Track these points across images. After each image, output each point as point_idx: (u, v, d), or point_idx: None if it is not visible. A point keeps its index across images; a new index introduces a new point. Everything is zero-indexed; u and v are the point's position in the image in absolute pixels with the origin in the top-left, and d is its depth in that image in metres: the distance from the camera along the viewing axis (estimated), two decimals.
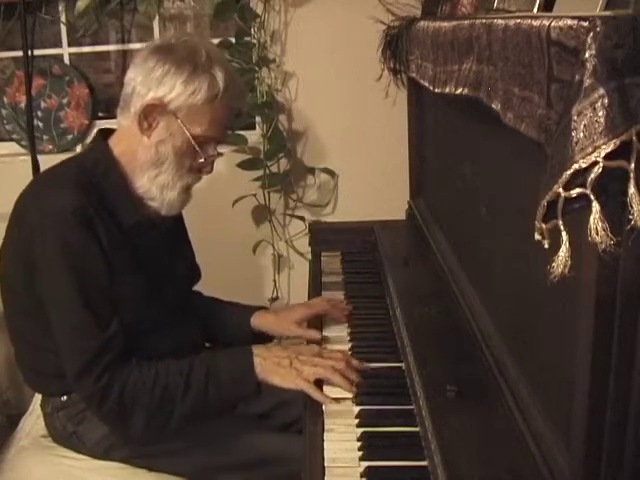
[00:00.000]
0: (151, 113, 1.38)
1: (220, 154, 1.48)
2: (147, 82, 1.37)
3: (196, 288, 1.73)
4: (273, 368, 1.37)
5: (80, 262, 1.32)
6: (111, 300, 1.35)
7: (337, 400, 1.31)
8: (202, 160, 1.43)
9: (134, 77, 1.40)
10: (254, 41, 2.38)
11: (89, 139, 2.58)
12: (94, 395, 1.32)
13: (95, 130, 1.60)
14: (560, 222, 0.64)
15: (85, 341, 1.32)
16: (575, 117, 0.62)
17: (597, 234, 0.62)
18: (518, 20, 0.82)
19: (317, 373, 1.35)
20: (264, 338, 1.67)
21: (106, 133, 1.49)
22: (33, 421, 1.61)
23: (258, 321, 1.66)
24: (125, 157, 1.43)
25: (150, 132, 1.39)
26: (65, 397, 1.45)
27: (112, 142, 1.45)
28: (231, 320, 1.68)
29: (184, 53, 1.38)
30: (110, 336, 1.33)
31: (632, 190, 0.61)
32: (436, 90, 1.31)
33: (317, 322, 1.64)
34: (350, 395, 1.31)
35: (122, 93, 1.43)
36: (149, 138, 1.40)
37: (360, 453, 1.15)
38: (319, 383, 1.35)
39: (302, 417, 1.49)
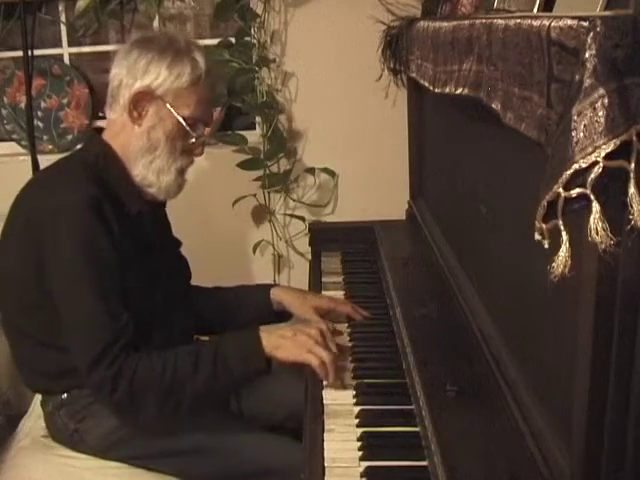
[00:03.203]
0: (140, 101, 1.44)
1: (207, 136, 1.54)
2: (133, 73, 1.43)
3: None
4: (277, 341, 1.37)
5: (94, 253, 1.35)
6: (122, 290, 1.37)
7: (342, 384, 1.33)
8: (193, 141, 1.48)
9: (119, 71, 1.46)
10: (254, 41, 2.38)
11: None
12: (105, 383, 1.32)
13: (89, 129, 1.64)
14: (560, 222, 0.64)
15: (98, 332, 1.33)
16: (575, 117, 0.62)
17: (597, 234, 0.62)
18: (518, 20, 0.82)
19: (319, 353, 1.34)
20: (284, 317, 1.69)
21: (99, 131, 1.53)
22: (33, 421, 1.61)
23: (280, 294, 1.68)
24: (120, 149, 1.47)
25: (141, 120, 1.45)
26: (65, 395, 1.45)
27: (106, 137, 1.49)
28: (251, 300, 1.70)
29: (164, 41, 1.46)
30: (122, 326, 1.34)
31: (632, 190, 0.61)
32: (436, 90, 1.31)
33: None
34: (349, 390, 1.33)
35: (109, 89, 1.48)
36: (140, 126, 1.45)
37: (360, 453, 1.15)
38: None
39: (290, 419, 1.50)
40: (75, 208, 1.34)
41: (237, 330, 1.48)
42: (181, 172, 1.51)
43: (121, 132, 1.47)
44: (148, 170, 1.46)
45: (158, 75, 1.42)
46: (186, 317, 1.59)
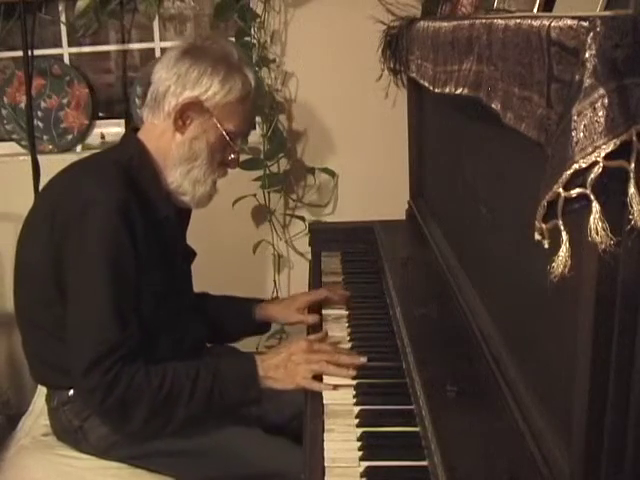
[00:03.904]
0: (187, 111, 1.44)
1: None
2: (183, 82, 1.43)
3: (196, 287, 1.74)
4: (271, 375, 1.41)
5: (115, 256, 1.34)
6: (135, 298, 1.37)
7: (336, 387, 1.35)
8: (233, 156, 1.50)
9: (168, 77, 1.44)
10: (254, 41, 2.38)
11: (89, 139, 2.59)
12: (98, 388, 1.31)
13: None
14: (560, 222, 0.64)
15: (103, 335, 1.32)
16: (575, 117, 0.62)
17: (597, 234, 0.62)
18: (518, 20, 0.82)
19: (312, 370, 1.39)
20: (265, 327, 1.78)
21: (135, 131, 1.53)
22: (33, 420, 1.61)
23: (264, 312, 1.74)
24: (156, 152, 1.48)
25: (184, 129, 1.45)
26: (72, 391, 1.45)
27: (142, 138, 1.49)
28: (236, 315, 1.74)
29: (217, 54, 1.45)
30: (127, 335, 1.34)
31: (632, 190, 0.61)
32: (436, 90, 1.31)
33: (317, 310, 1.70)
34: (349, 381, 1.36)
35: (151, 92, 1.48)
36: (182, 135, 1.46)
37: (360, 453, 1.15)
38: (318, 376, 1.39)
39: (294, 419, 1.51)
40: (102, 208, 1.33)
41: (235, 356, 1.51)
42: (214, 183, 1.51)
43: (160, 137, 1.47)
44: (184, 178, 1.47)
45: (209, 88, 1.42)
46: (199, 325, 1.60)
